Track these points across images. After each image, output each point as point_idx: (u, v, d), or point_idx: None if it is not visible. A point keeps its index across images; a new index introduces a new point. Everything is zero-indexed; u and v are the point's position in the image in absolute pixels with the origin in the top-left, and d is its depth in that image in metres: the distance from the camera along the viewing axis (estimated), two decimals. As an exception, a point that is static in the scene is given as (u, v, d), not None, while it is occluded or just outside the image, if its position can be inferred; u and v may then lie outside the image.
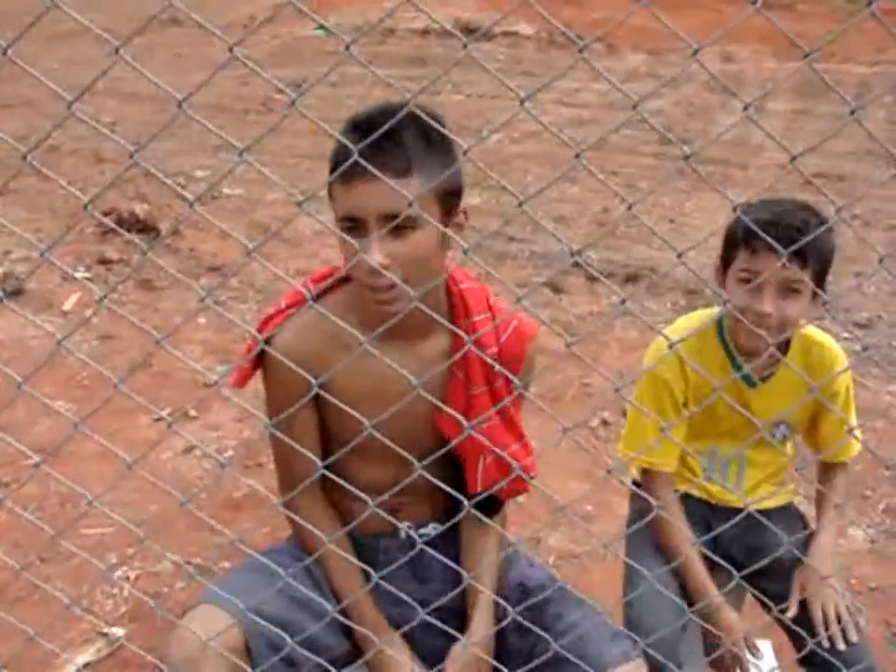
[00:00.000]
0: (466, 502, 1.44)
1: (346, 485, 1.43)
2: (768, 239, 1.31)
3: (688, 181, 6.81)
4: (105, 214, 5.72)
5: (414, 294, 1.19)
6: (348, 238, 1.36)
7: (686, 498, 2.02)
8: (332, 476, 1.40)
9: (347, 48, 0.80)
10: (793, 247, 1.35)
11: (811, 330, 1.96)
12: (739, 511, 2.03)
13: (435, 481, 1.39)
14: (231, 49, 0.85)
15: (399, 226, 1.41)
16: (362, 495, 1.37)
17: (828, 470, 2.05)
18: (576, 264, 5.09)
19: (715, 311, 2.01)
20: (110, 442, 3.45)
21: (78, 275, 4.96)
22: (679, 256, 1.05)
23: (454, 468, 1.72)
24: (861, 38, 12.44)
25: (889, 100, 9.95)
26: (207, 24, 0.90)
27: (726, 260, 1.87)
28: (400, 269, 1.44)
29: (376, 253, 1.41)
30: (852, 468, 2.11)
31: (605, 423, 3.56)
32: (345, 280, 1.67)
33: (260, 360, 1.67)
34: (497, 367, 1.54)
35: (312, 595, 1.50)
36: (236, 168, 5.71)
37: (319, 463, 1.34)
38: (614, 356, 4.09)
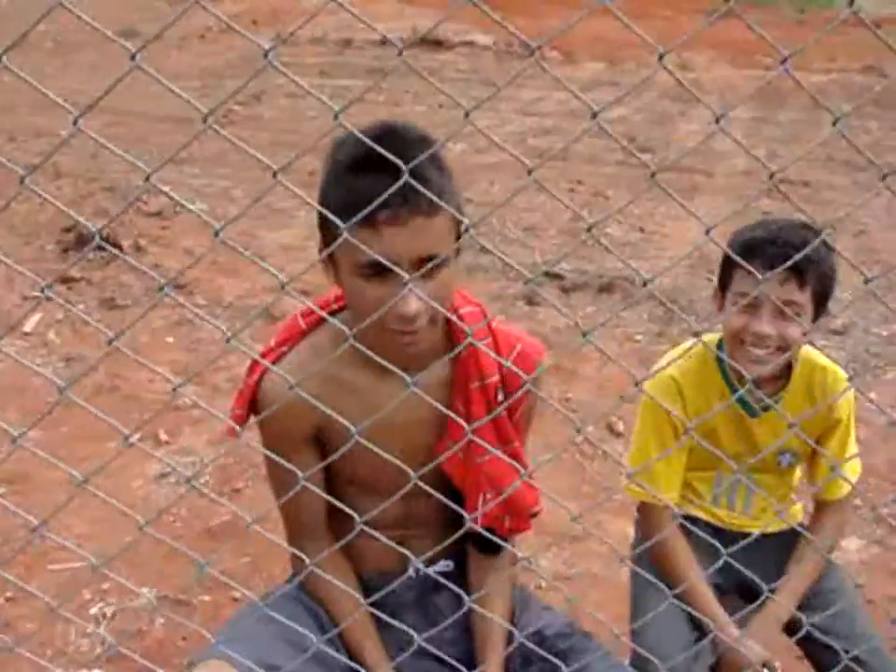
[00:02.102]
0: (470, 547, 1.35)
1: (361, 526, 1.33)
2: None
3: (656, 189, 6.78)
4: (66, 231, 5.58)
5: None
6: (363, 283, 1.27)
7: (692, 523, 1.95)
8: (340, 505, 1.31)
9: (266, 55, 0.73)
10: (788, 262, 1.27)
11: (814, 354, 1.89)
12: (748, 535, 1.97)
13: (439, 493, 1.29)
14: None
15: (434, 267, 1.32)
16: (377, 534, 1.27)
17: (821, 509, 1.96)
18: (549, 275, 5.04)
19: (711, 337, 1.94)
20: (80, 470, 3.34)
21: (39, 295, 4.81)
22: (645, 284, 0.98)
23: (458, 502, 1.63)
24: (812, 47, 12.57)
25: (847, 108, 10.04)
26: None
27: (723, 283, 1.80)
28: (434, 308, 1.35)
29: (413, 300, 1.31)
30: (847, 507, 2.01)
31: (588, 440, 3.49)
32: (338, 311, 1.58)
33: (254, 405, 1.56)
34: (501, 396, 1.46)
35: (324, 649, 1.40)
36: (196, 181, 5.58)
37: (330, 499, 1.23)
38: (594, 367, 4.02)
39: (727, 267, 1.78)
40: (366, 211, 1.08)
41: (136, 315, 4.60)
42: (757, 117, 9.68)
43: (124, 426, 3.20)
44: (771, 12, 17.50)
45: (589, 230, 0.97)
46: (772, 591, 1.71)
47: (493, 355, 1.49)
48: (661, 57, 0.81)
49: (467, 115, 0.85)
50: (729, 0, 0.87)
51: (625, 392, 3.80)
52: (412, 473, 1.21)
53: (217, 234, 0.86)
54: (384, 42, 13.40)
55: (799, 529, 1.84)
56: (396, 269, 1.11)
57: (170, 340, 4.29)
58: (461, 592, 1.41)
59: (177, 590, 2.75)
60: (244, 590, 1.39)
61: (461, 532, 1.40)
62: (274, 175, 0.85)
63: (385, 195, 0.98)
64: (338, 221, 1.06)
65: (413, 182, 1.22)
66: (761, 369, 1.70)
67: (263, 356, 1.56)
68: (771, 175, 0.99)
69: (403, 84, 10.88)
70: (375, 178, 1.21)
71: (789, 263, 1.25)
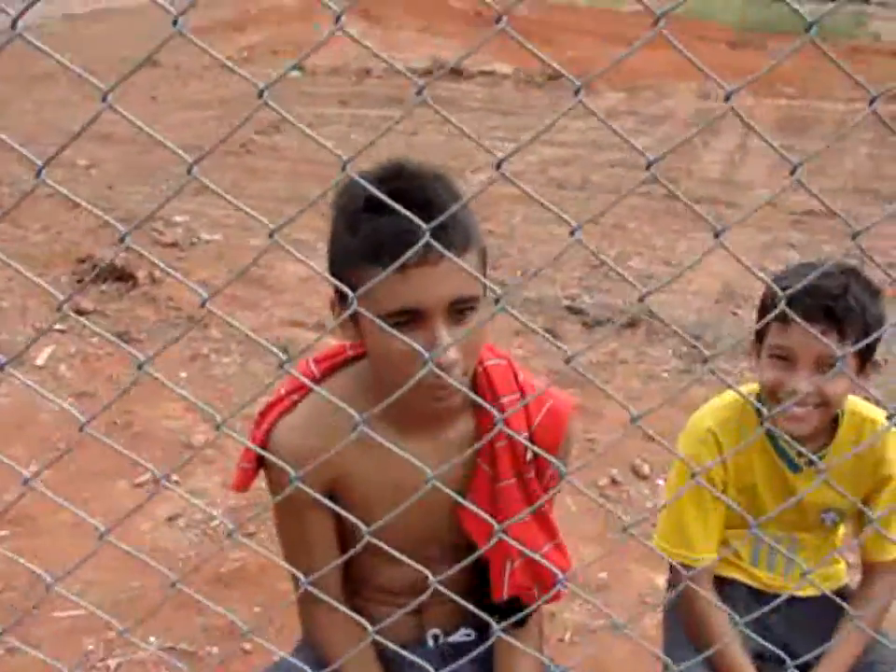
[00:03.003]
0: (492, 623, 1.24)
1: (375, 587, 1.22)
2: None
3: (679, 221, 6.68)
4: (80, 261, 5.52)
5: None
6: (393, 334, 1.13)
7: (730, 585, 1.83)
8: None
9: (260, 95, 0.65)
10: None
11: (862, 406, 1.76)
12: (791, 598, 1.84)
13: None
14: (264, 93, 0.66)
15: (464, 310, 1.22)
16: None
17: (869, 572, 1.83)
18: (571, 309, 4.93)
19: (749, 388, 1.82)
20: (85, 511, 3.24)
21: (52, 327, 4.74)
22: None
23: (482, 567, 1.51)
24: (835, 75, 12.48)
25: (869, 136, 9.92)
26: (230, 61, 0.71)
27: (760, 334, 1.67)
28: (467, 356, 1.25)
29: (450, 349, 1.20)
30: None
31: (614, 481, 3.36)
32: (353, 358, 1.47)
33: (262, 458, 1.45)
34: (534, 450, 1.35)
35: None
36: (214, 212, 5.52)
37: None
38: (617, 406, 3.90)
39: (762, 316, 1.67)
40: (408, 252, 0.94)
41: (150, 349, 4.53)
42: (781, 146, 9.56)
43: (134, 464, 3.09)
44: (791, 41, 17.45)
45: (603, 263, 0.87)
46: (815, 660, 1.59)
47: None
48: (728, 96, 0.71)
49: (499, 166, 0.77)
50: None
51: (650, 431, 3.68)
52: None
53: (271, 235, 0.77)
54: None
55: (843, 592, 1.72)
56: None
57: (183, 375, 4.20)
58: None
59: (185, 640, 2.64)
60: (258, 640, 1.30)
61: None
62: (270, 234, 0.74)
63: (426, 235, 0.87)
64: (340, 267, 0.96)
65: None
66: (800, 427, 1.58)
67: (272, 405, 1.46)
68: (792, 171, 0.88)
69: (422, 112, 10.84)
70: (399, 217, 1.10)
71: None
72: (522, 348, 4.47)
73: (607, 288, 5.31)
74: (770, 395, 1.62)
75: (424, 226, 0.86)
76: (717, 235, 0.88)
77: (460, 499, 1.20)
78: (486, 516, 1.43)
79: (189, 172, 0.72)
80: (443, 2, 20.69)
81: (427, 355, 0.95)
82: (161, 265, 0.86)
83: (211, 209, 6.68)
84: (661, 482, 3.39)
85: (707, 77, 0.73)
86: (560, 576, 1.44)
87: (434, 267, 1.17)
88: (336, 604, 1.25)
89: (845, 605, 1.65)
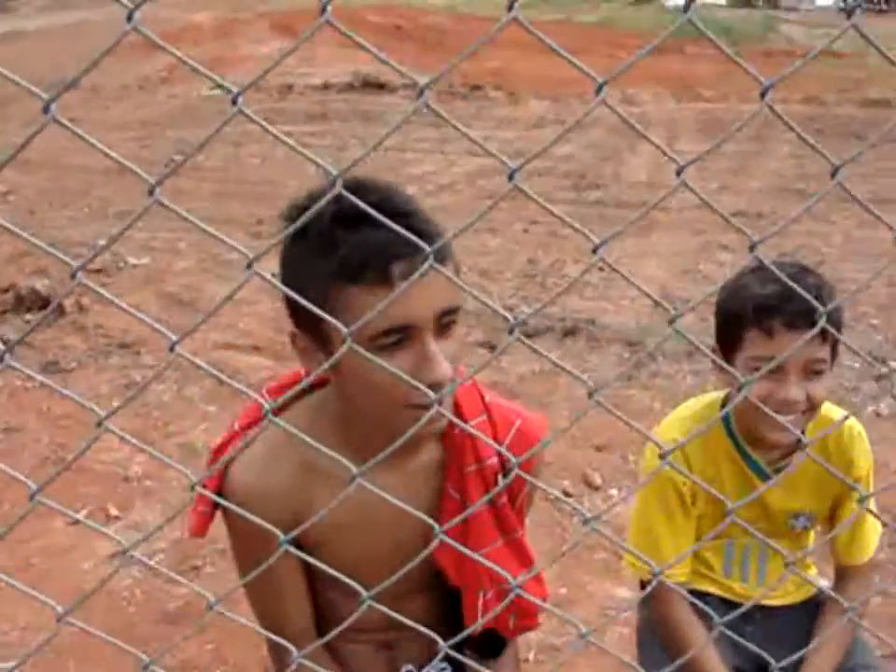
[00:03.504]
0: (465, 659, 1.17)
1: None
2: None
3: (610, 226, 6.69)
4: (3, 291, 5.33)
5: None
6: (377, 360, 1.05)
7: (705, 597, 1.78)
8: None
9: (234, 102, 0.58)
10: (819, 324, 1.11)
11: (826, 407, 1.73)
12: (765, 608, 1.81)
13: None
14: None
15: (450, 322, 1.15)
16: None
17: (843, 576, 1.81)
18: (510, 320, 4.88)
19: (715, 397, 1.78)
20: (23, 553, 3.09)
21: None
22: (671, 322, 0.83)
23: (455, 599, 1.44)
24: (749, 79, 12.67)
25: (791, 135, 10.10)
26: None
27: (729, 344, 1.61)
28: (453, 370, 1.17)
29: (443, 365, 1.12)
30: (872, 571, 1.84)
31: (566, 494, 3.32)
32: (312, 387, 1.39)
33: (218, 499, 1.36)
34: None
35: None
36: (140, 234, 5.38)
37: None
38: (565, 418, 3.85)
39: (733, 327, 1.59)
40: (416, 274, 0.87)
41: (81, 379, 4.37)
42: (704, 149, 9.68)
43: (71, 500, 2.96)
44: (707, 45, 17.74)
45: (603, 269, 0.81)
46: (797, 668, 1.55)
47: (486, 438, 1.30)
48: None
49: (511, 177, 0.71)
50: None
51: (599, 442, 3.65)
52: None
53: (249, 265, 0.69)
54: (325, 87, 13.31)
55: (825, 591, 1.68)
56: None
57: (116, 403, 4.05)
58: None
59: (134, 685, 2.53)
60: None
61: (461, 636, 1.21)
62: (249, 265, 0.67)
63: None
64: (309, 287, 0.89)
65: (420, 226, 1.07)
66: (788, 435, 1.54)
67: (227, 442, 1.37)
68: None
69: (347, 128, 10.77)
70: (379, 231, 1.03)
71: (817, 327, 1.08)
72: (462, 361, 4.41)
73: (544, 297, 5.28)
74: (757, 407, 1.56)
75: (427, 248, 0.79)
76: (752, 249, 0.83)
77: (430, 521, 1.12)
78: (458, 545, 1.37)
79: (150, 193, 0.64)
80: (361, 16, 20.66)
81: (428, 391, 0.88)
82: (97, 296, 0.77)
83: (137, 232, 6.52)
84: (613, 492, 3.35)
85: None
86: (538, 603, 1.39)
87: (421, 279, 1.10)
88: (309, 647, 1.16)
89: (839, 598, 1.62)
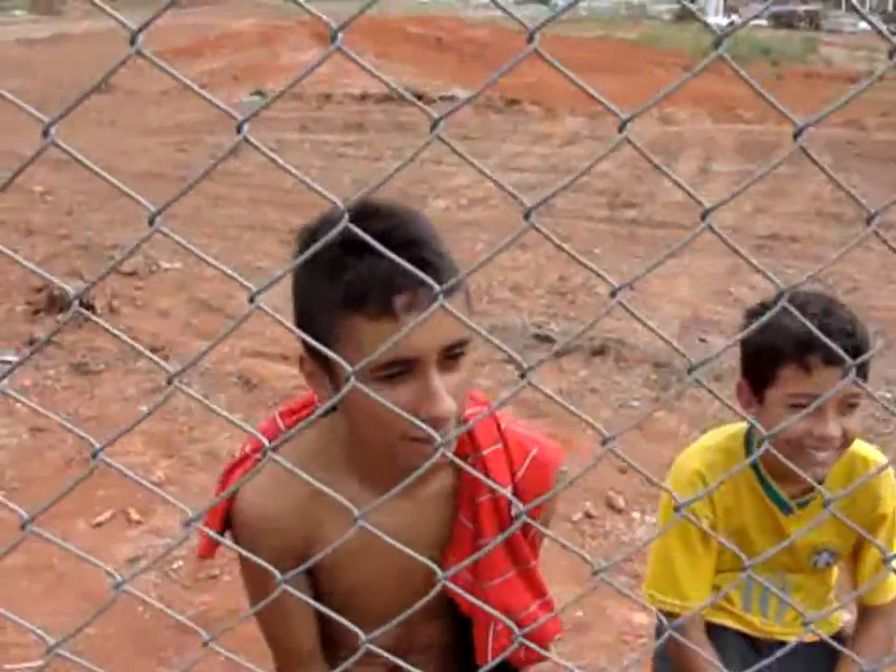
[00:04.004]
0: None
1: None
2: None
3: (643, 246, 6.67)
4: (37, 291, 5.37)
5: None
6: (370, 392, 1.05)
7: (723, 632, 1.75)
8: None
9: (239, 129, 0.56)
10: (861, 358, 1.10)
11: (854, 443, 1.70)
12: (784, 644, 1.77)
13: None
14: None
15: (457, 355, 1.13)
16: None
17: (866, 615, 1.77)
18: (539, 337, 4.86)
19: (739, 428, 1.75)
20: (41, 553, 3.10)
21: (6, 359, 4.60)
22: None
23: (466, 626, 1.43)
24: (792, 100, 12.61)
25: (829, 160, 10.01)
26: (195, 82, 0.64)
27: (761, 380, 1.58)
28: (459, 404, 1.15)
29: (447, 401, 1.10)
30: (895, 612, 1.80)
31: (589, 515, 3.29)
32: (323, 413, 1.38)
33: (228, 522, 1.35)
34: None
35: None
36: (173, 240, 5.40)
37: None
38: (589, 437, 3.83)
39: (767, 363, 1.56)
40: (425, 314, 0.86)
41: (109, 381, 4.40)
42: (741, 171, 9.61)
43: (93, 503, 2.97)
44: (745, 67, 17.60)
45: (613, 294, 0.80)
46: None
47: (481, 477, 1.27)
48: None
49: (526, 216, 0.70)
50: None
51: (622, 464, 3.61)
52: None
53: (251, 300, 0.68)
54: (363, 97, 13.36)
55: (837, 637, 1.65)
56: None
57: (143, 409, 4.07)
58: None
59: (146, 691, 2.53)
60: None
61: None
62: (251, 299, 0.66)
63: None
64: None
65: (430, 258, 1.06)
66: (823, 470, 1.52)
67: (237, 465, 1.36)
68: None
69: (384, 139, 10.80)
70: (383, 260, 1.01)
71: (862, 358, 1.07)
72: (489, 378, 4.40)
73: (574, 315, 5.26)
74: (793, 444, 1.52)
75: (434, 284, 0.80)
76: (778, 299, 0.82)
77: (432, 565, 1.11)
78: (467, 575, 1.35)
79: (150, 223, 0.64)
80: (403, 28, 20.77)
81: (429, 430, 0.87)
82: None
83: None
84: (636, 514, 3.32)
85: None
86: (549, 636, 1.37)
87: (425, 311, 1.09)
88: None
89: (856, 637, 1.59)
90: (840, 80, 16.08)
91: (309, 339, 0.79)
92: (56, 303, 5.11)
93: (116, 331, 0.71)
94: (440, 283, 1.05)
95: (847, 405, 1.51)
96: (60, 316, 5.03)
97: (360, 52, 16.91)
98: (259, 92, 13.05)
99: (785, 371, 1.52)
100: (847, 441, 1.52)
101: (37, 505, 2.62)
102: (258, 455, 1.33)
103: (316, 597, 1.41)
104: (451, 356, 1.12)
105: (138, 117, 11.42)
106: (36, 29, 19.79)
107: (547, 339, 4.83)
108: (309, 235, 1.14)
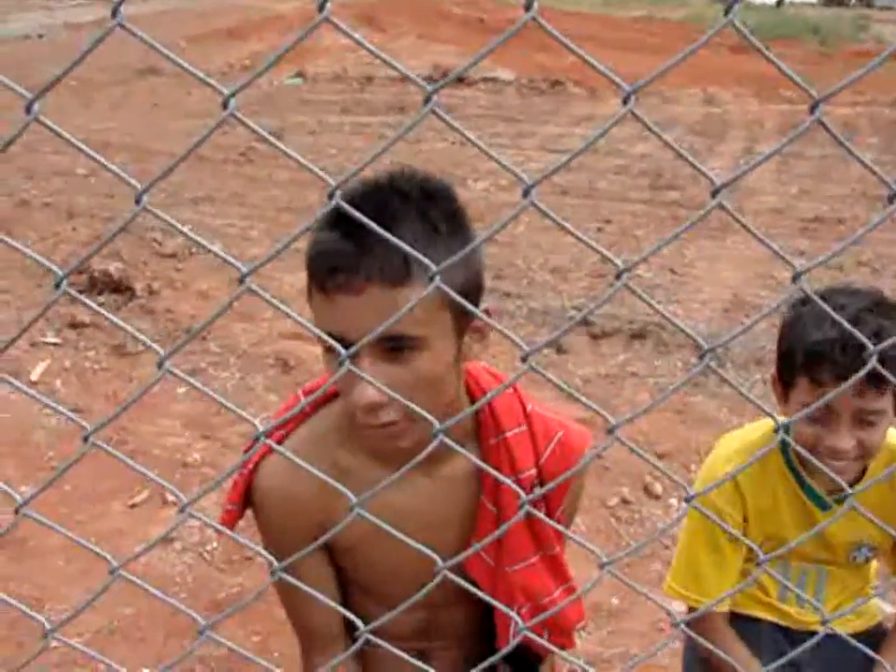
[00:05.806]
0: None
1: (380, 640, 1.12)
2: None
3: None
4: (78, 273, 5.41)
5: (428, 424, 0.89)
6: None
7: (757, 623, 1.71)
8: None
9: (225, 105, 0.54)
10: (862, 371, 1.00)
11: (894, 437, 1.64)
12: (825, 635, 1.73)
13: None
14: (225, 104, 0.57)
15: (399, 347, 1.08)
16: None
17: None
18: (580, 321, 4.81)
19: (769, 427, 1.69)
20: (81, 533, 3.13)
21: (47, 340, 4.64)
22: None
23: (489, 610, 1.40)
24: (837, 79, 12.34)
25: (875, 140, 9.82)
26: (205, 78, 0.62)
27: (786, 379, 1.54)
28: (408, 397, 1.12)
29: (367, 389, 1.07)
30: None
31: (625, 501, 3.25)
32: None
33: (247, 499, 1.34)
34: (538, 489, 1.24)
35: None
36: (214, 221, 5.38)
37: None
38: (630, 423, 3.78)
39: (788, 366, 1.51)
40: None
41: (147, 363, 4.42)
42: (786, 152, 9.45)
43: (130, 483, 2.97)
44: (794, 46, 17.35)
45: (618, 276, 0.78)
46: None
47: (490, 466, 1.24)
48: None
49: (526, 193, 0.67)
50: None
51: (661, 449, 3.57)
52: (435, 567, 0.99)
53: (242, 280, 0.67)
54: (405, 79, 13.30)
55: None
56: (333, 343, 0.80)
57: (181, 391, 4.09)
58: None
59: (178, 671, 2.54)
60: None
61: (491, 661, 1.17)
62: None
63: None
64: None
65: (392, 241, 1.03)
66: (843, 478, 1.47)
67: (258, 457, 1.35)
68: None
69: (425, 120, 10.74)
70: (336, 235, 1.04)
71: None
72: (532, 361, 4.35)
73: (613, 299, 5.19)
74: (812, 451, 1.48)
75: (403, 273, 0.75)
76: (795, 279, 0.78)
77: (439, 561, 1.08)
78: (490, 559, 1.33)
79: (137, 202, 0.62)
80: (445, 8, 20.66)
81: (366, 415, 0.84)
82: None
83: (210, 218, 6.59)
84: (673, 501, 3.28)
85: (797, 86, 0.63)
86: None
87: (356, 296, 1.05)
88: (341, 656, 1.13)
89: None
90: (891, 59, 15.73)
91: (301, 320, 0.77)
92: (96, 285, 5.15)
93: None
94: (387, 272, 1.03)
95: (865, 421, 1.44)
96: (101, 298, 5.06)
97: (402, 34, 16.91)
98: (299, 74, 13.05)
99: (800, 380, 1.48)
100: (865, 453, 1.47)
101: (76, 485, 2.62)
102: (279, 433, 1.32)
103: (341, 582, 1.40)
104: (393, 347, 1.08)
105: (182, 99, 11.45)
106: (85, 12, 19.91)
107: (586, 322, 4.78)
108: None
